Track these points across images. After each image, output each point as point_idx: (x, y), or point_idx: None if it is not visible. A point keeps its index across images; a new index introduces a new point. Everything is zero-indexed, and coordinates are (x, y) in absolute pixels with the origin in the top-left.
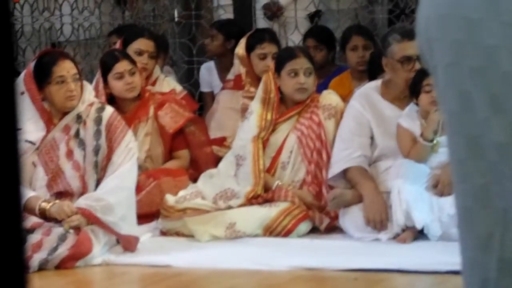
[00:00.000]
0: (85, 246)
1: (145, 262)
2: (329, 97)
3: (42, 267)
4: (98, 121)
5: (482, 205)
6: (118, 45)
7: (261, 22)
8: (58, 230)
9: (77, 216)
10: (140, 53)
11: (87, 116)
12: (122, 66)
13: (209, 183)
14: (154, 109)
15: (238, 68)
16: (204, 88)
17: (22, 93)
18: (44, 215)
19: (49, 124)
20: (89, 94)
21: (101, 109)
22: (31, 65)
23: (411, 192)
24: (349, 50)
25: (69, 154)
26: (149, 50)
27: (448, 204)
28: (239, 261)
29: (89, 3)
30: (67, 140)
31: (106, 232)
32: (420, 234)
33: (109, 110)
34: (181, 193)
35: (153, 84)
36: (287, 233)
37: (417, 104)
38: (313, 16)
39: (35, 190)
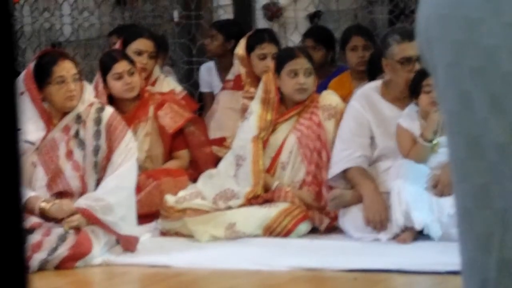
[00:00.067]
0: (85, 246)
1: (145, 262)
2: (329, 97)
3: (42, 267)
4: (98, 121)
5: (482, 205)
6: (118, 45)
7: (261, 22)
8: (58, 230)
9: (77, 216)
10: (139, 53)
11: (87, 116)
12: (121, 66)
13: (209, 184)
14: (153, 109)
15: (238, 68)
16: (204, 89)
17: (22, 93)
18: (44, 215)
19: (49, 124)
20: (89, 94)
21: (101, 110)
22: (31, 65)
23: (411, 192)
24: (349, 51)
25: (69, 154)
26: (149, 50)
27: (448, 204)
28: (239, 261)
29: (89, 3)
30: (67, 140)
31: (106, 232)
32: (420, 235)
33: (109, 110)
34: (181, 193)
35: (153, 84)
36: (287, 234)
37: (417, 104)
38: (313, 17)
39: (34, 190)
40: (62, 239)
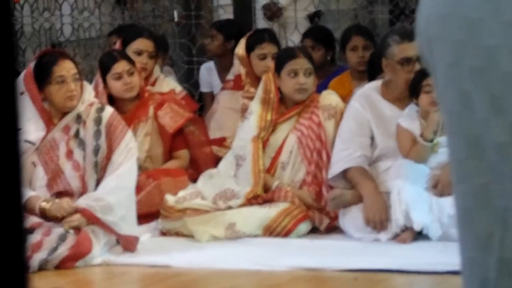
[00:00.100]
0: (85, 246)
1: (145, 262)
2: (329, 97)
3: (42, 267)
4: (98, 121)
5: (482, 205)
6: (117, 45)
7: (261, 22)
8: (58, 230)
9: (77, 216)
10: (139, 53)
11: (87, 116)
12: (120, 66)
13: (209, 183)
14: (153, 109)
15: (238, 68)
16: (204, 88)
17: (22, 93)
18: (44, 215)
19: (49, 124)
20: (89, 94)
21: (101, 109)
22: (31, 65)
23: (411, 192)
24: (349, 50)
25: (69, 154)
26: (149, 50)
27: (448, 204)
28: (239, 261)
29: (89, 3)
30: (67, 140)
31: (106, 232)
32: (419, 235)
33: (109, 110)
34: (181, 193)
35: (153, 84)
36: (287, 234)
37: (417, 104)
38: (313, 17)
39: (35, 190)
40: (62, 239)
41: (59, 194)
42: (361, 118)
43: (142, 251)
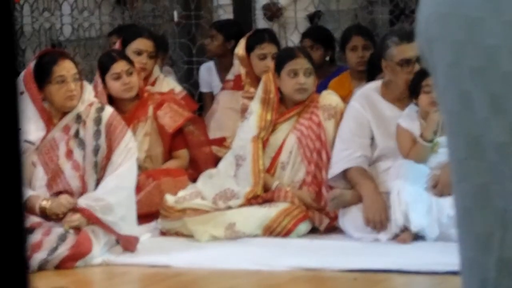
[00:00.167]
0: (85, 246)
1: (145, 262)
2: (329, 97)
3: (42, 267)
4: (97, 121)
5: (482, 205)
6: (117, 45)
7: (261, 22)
8: (58, 230)
9: (77, 216)
10: (139, 53)
11: (87, 116)
12: (119, 66)
13: (209, 183)
14: (153, 109)
15: (238, 68)
16: (203, 89)
17: (22, 93)
18: (44, 214)
19: (49, 124)
20: (89, 94)
21: (100, 109)
22: (31, 65)
23: (410, 193)
24: (349, 51)
25: (69, 154)
26: (148, 50)
27: (447, 204)
28: (239, 261)
29: (89, 3)
30: (67, 140)
31: (106, 232)
32: (418, 235)
33: (109, 110)
34: (181, 193)
35: (153, 84)
36: (287, 234)
37: (417, 104)
38: (313, 17)
39: (34, 190)
40: (62, 238)
41: (59, 194)
42: (361, 118)
43: (142, 251)
